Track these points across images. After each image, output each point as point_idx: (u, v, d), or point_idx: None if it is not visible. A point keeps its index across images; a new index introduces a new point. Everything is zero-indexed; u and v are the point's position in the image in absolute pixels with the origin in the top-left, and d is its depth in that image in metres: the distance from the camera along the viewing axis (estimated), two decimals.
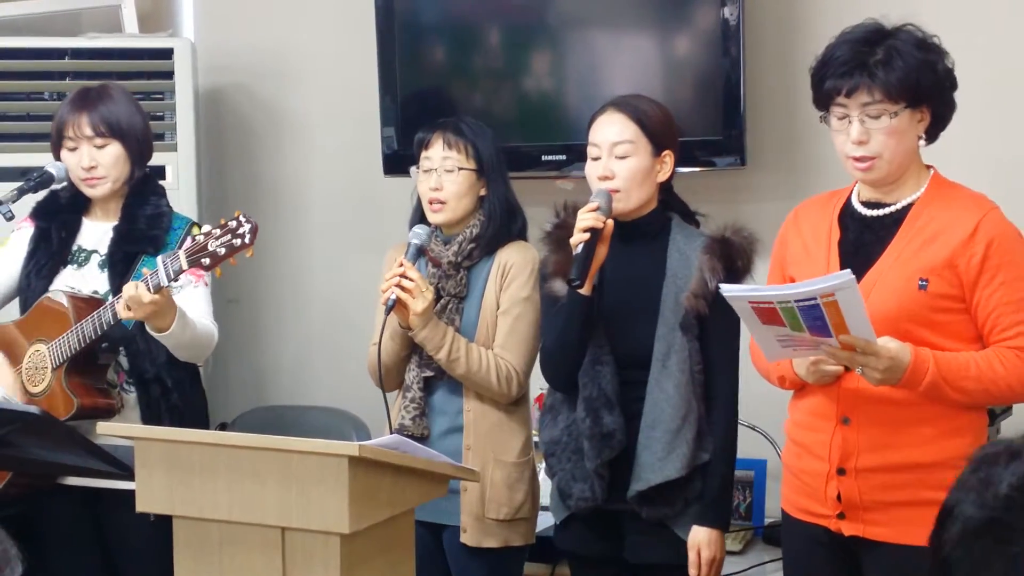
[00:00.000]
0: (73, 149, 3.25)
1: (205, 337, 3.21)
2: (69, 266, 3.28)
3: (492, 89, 4.05)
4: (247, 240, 2.86)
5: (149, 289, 2.94)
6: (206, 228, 2.91)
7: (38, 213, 3.36)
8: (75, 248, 3.30)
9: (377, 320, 3.18)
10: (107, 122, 3.23)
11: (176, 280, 2.95)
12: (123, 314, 2.99)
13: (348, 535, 2.40)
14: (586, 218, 2.80)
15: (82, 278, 3.25)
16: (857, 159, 2.59)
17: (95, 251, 3.28)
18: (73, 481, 3.19)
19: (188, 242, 2.93)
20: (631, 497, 2.87)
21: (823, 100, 2.63)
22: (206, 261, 2.88)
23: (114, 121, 3.24)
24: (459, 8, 4.10)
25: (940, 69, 2.59)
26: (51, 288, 3.24)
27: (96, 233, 3.30)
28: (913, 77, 2.54)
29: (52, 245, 3.30)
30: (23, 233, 3.35)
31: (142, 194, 3.30)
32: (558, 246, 2.92)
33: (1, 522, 1.66)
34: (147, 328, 3.07)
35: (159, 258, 2.96)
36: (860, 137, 2.56)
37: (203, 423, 3.35)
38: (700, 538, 2.86)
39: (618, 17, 3.90)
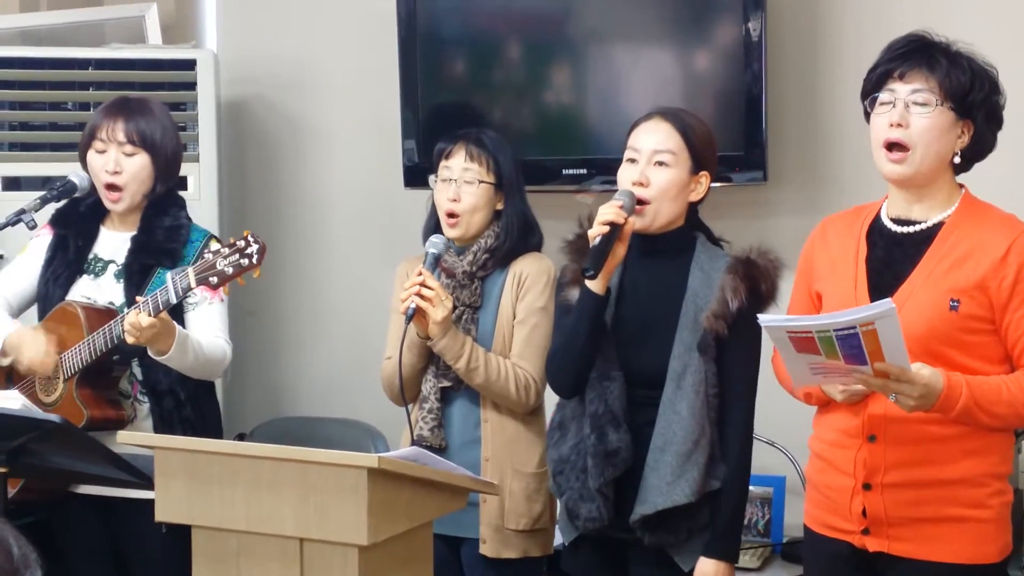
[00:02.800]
0: (101, 152, 3.25)
1: (213, 358, 3.20)
2: (86, 275, 3.29)
3: (513, 102, 4.05)
4: (255, 260, 2.88)
5: (149, 313, 2.95)
6: (215, 246, 2.91)
7: (57, 220, 3.37)
8: (91, 257, 3.31)
9: (391, 333, 3.19)
10: (141, 133, 3.24)
11: (186, 296, 2.95)
12: (128, 339, 2.99)
13: (366, 547, 2.40)
14: (607, 212, 2.76)
15: (98, 288, 3.25)
16: (891, 147, 2.57)
17: (112, 261, 3.28)
18: (86, 489, 3.20)
19: (205, 256, 2.94)
20: (634, 521, 2.77)
21: (874, 84, 2.62)
22: (214, 280, 2.90)
23: (148, 133, 3.25)
24: (480, 22, 4.10)
25: (992, 97, 2.60)
26: (68, 297, 3.25)
27: (113, 243, 3.30)
28: (969, 83, 2.55)
29: (69, 253, 3.31)
30: (42, 240, 3.36)
31: (162, 205, 3.30)
32: (578, 256, 2.87)
33: (20, 529, 1.65)
34: (148, 351, 3.07)
35: (168, 274, 2.96)
36: (900, 119, 2.55)
37: (217, 436, 3.32)
38: (707, 571, 2.76)
39: (639, 31, 3.90)
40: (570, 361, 2.86)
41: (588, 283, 2.79)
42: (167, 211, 3.30)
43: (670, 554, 2.79)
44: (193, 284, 2.92)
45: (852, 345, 2.36)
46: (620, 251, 2.79)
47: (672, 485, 2.74)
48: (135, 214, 3.30)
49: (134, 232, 3.28)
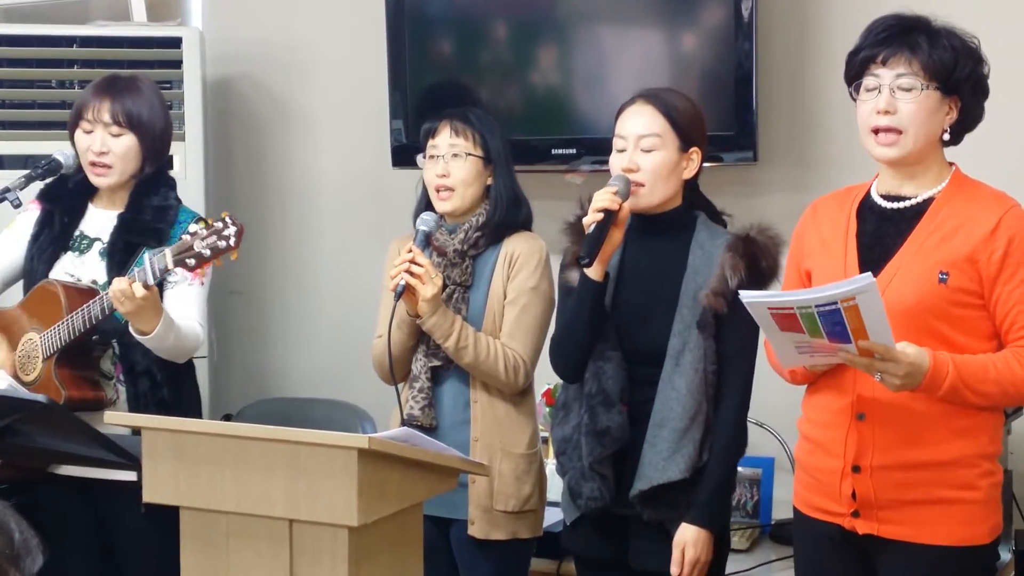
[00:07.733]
0: (89, 132, 3.24)
1: (189, 341, 3.17)
2: (70, 252, 3.27)
3: (502, 83, 4.03)
4: (231, 243, 2.86)
5: (145, 284, 2.93)
6: (193, 228, 2.89)
7: (45, 195, 3.35)
8: (77, 234, 3.29)
9: (382, 312, 3.17)
10: (127, 113, 3.22)
11: (164, 278, 2.93)
12: (115, 303, 2.98)
13: (356, 528, 2.38)
14: (602, 198, 2.77)
15: (82, 265, 3.23)
16: (879, 131, 2.56)
17: (98, 239, 3.26)
18: (65, 470, 3.17)
19: (183, 238, 2.92)
20: (633, 497, 2.81)
21: (857, 69, 2.61)
22: (191, 261, 2.88)
23: (135, 114, 3.23)
24: (469, 2, 4.08)
25: (977, 70, 2.59)
26: (51, 274, 3.23)
27: (100, 220, 3.28)
28: (952, 61, 2.54)
29: (55, 229, 3.29)
30: (30, 215, 3.34)
31: (152, 184, 3.28)
32: (579, 237, 2.87)
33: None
34: (130, 329, 3.06)
35: (146, 255, 2.95)
36: (887, 106, 2.55)
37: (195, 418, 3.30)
38: (687, 537, 2.78)
39: (628, 10, 3.89)
40: (571, 348, 2.89)
41: (586, 270, 2.80)
42: (156, 191, 3.28)
43: (668, 528, 2.81)
44: (170, 265, 2.90)
45: (835, 322, 2.36)
46: (616, 236, 2.80)
47: (668, 461, 2.77)
48: (123, 192, 3.28)
49: (121, 211, 3.26)
